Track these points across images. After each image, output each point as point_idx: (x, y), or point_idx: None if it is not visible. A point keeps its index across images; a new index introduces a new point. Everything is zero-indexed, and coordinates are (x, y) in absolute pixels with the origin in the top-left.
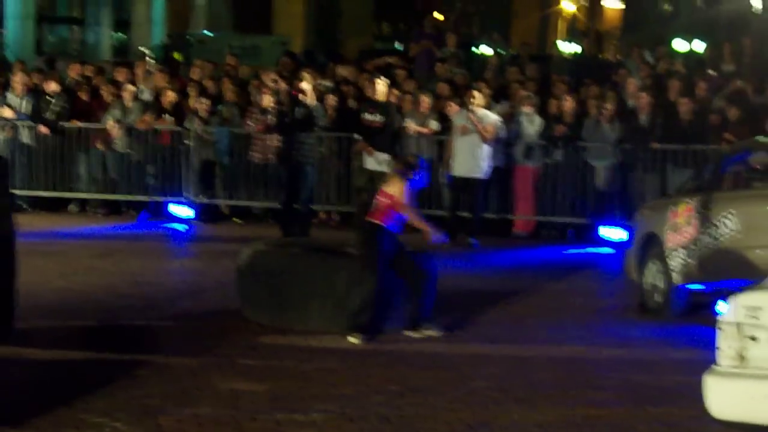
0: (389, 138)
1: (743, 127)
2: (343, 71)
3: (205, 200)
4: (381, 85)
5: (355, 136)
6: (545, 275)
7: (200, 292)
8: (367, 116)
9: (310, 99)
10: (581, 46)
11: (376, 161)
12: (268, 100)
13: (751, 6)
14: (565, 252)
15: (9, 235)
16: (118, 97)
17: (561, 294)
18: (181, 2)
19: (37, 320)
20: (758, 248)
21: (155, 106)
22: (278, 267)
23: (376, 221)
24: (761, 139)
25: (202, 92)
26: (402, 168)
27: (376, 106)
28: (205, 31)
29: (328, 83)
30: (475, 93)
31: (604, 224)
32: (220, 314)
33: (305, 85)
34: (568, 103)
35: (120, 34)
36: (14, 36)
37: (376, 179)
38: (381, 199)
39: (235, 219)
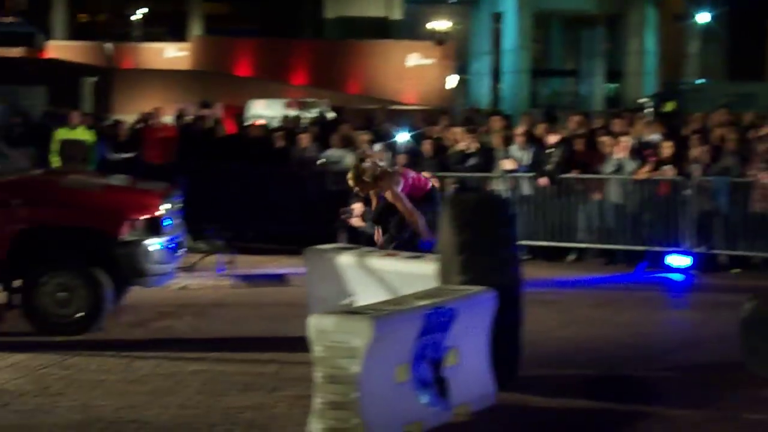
0: None
1: None
2: None
3: (703, 250)
4: None
5: None
6: None
7: (698, 344)
8: None
9: None
10: None
11: None
12: None
13: None
14: None
15: (516, 285)
16: (615, 147)
17: None
18: (673, 52)
19: (538, 369)
20: None
21: (655, 157)
22: None
23: None
24: None
25: (703, 141)
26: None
27: None
28: (699, 80)
29: None
30: None
31: None
32: (721, 366)
33: None
34: None
35: (612, 84)
36: (510, 89)
37: None
38: None
39: (732, 269)
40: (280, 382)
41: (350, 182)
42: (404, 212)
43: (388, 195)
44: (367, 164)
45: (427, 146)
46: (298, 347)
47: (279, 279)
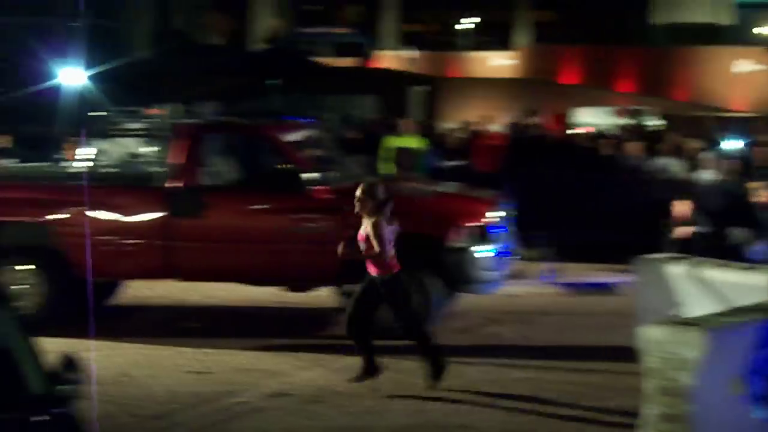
0: None
1: None
2: None
3: None
4: None
5: None
6: None
7: None
8: None
9: None
10: None
11: None
12: None
13: None
14: None
15: None
16: None
17: None
18: None
19: None
20: None
21: None
22: None
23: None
24: None
25: None
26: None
27: None
28: None
29: None
30: None
31: None
32: None
33: None
34: None
35: None
36: None
37: None
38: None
39: None
40: (606, 392)
41: (358, 194)
42: (373, 241)
43: (371, 224)
44: (381, 188)
45: (759, 154)
46: (626, 357)
47: (607, 288)
